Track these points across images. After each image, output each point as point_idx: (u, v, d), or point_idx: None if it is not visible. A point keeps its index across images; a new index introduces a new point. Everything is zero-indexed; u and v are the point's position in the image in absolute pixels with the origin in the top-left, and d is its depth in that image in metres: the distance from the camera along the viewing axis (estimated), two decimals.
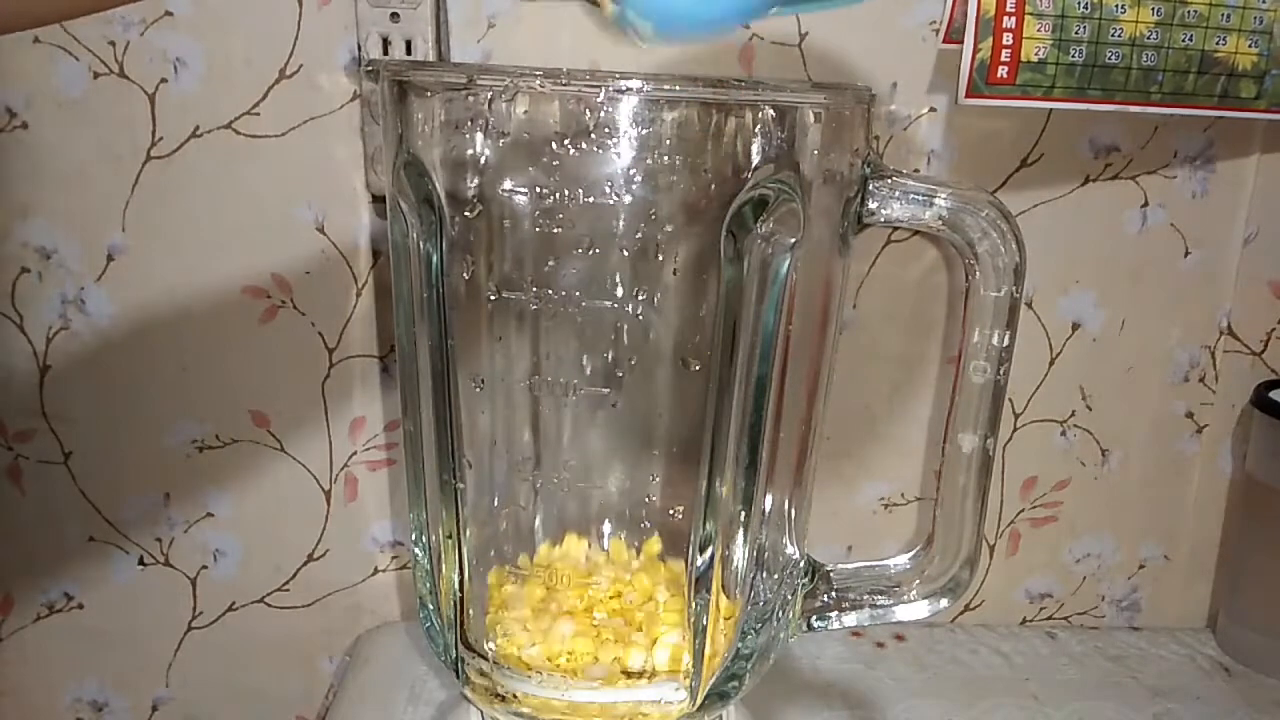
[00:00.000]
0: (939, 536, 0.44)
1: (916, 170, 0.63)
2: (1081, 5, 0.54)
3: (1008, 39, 0.54)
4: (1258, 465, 0.66)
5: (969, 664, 0.66)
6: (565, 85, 0.35)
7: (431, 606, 0.45)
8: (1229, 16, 0.56)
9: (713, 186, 0.37)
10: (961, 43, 0.54)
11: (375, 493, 0.68)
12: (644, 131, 0.35)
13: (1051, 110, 0.61)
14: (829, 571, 0.45)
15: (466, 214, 0.38)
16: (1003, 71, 0.54)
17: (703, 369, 0.39)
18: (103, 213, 0.61)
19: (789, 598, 0.44)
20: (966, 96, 0.54)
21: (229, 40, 0.59)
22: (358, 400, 0.66)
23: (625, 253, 0.37)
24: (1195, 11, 0.55)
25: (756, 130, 0.36)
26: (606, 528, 0.46)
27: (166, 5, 0.58)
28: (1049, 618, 0.74)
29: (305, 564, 0.69)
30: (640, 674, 0.42)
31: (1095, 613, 0.74)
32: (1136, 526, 0.72)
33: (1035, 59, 0.54)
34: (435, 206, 0.38)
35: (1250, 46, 0.56)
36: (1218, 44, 0.56)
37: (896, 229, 0.64)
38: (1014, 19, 0.54)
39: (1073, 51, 0.55)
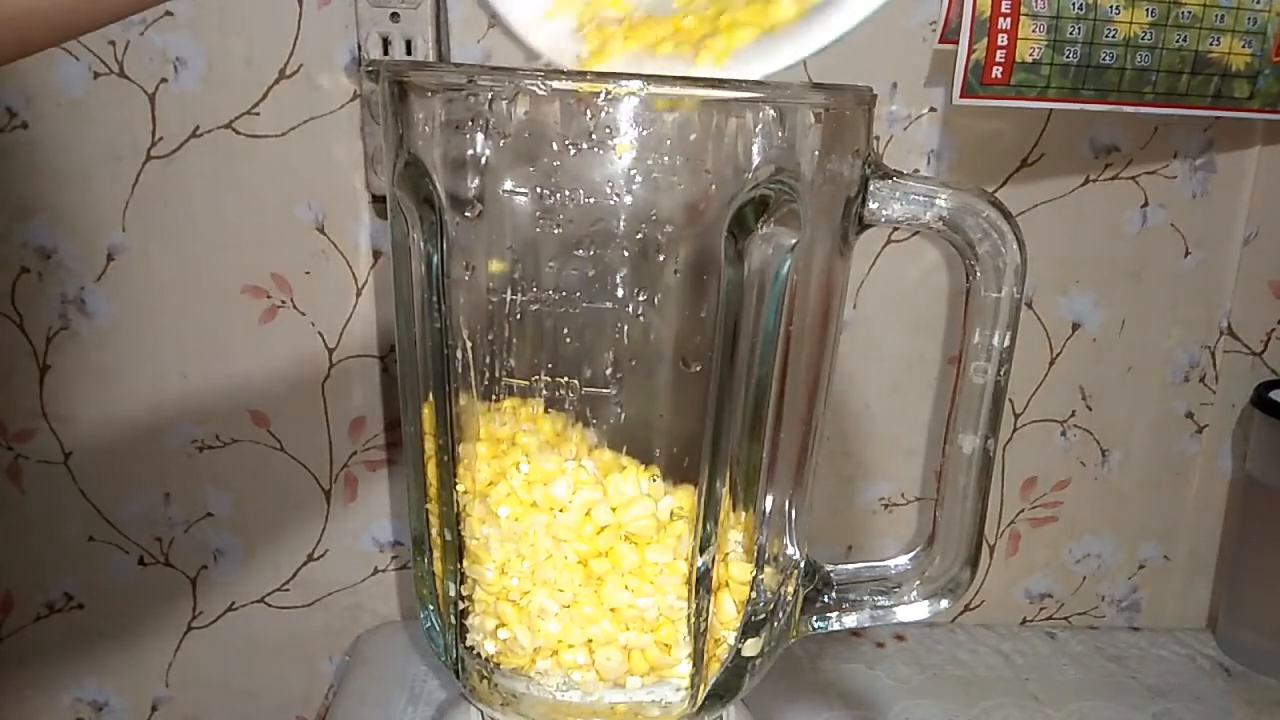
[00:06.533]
0: (939, 537, 0.43)
1: (916, 170, 0.63)
2: (1076, 6, 0.54)
3: (1003, 40, 0.54)
4: (1258, 465, 0.66)
5: (969, 664, 0.66)
6: (565, 85, 0.35)
7: (431, 607, 0.45)
8: (1223, 17, 0.56)
9: (713, 187, 0.37)
10: (957, 43, 0.54)
11: (375, 493, 0.68)
12: (644, 132, 0.35)
13: (1051, 110, 0.61)
14: (829, 572, 0.45)
15: (467, 214, 0.38)
16: (997, 72, 0.54)
17: (703, 369, 0.39)
18: (103, 213, 0.61)
19: (789, 598, 0.44)
20: (961, 97, 0.54)
21: (229, 40, 0.59)
22: (358, 400, 0.66)
23: (626, 253, 0.37)
24: (1189, 12, 0.55)
25: (757, 130, 0.36)
26: None
27: (166, 5, 0.58)
28: (1049, 618, 0.74)
29: (305, 564, 0.69)
30: (640, 675, 0.42)
31: (1095, 613, 0.74)
32: (1136, 526, 0.72)
33: (1030, 59, 0.54)
34: (435, 207, 0.38)
35: (1244, 47, 0.56)
36: (1211, 45, 0.56)
37: (897, 229, 0.64)
38: (1009, 20, 0.54)
39: (1067, 52, 0.55)
